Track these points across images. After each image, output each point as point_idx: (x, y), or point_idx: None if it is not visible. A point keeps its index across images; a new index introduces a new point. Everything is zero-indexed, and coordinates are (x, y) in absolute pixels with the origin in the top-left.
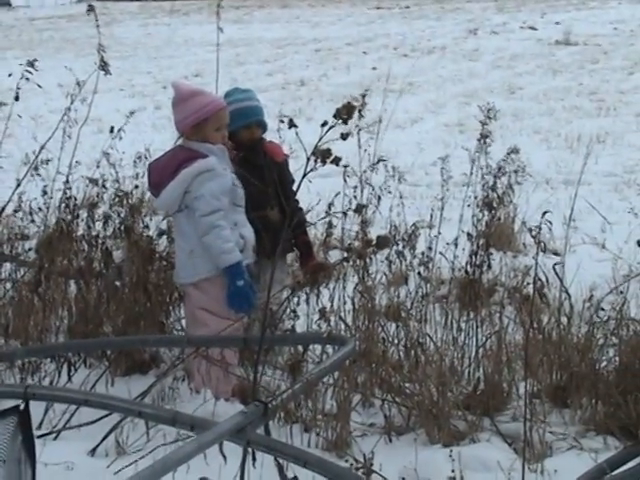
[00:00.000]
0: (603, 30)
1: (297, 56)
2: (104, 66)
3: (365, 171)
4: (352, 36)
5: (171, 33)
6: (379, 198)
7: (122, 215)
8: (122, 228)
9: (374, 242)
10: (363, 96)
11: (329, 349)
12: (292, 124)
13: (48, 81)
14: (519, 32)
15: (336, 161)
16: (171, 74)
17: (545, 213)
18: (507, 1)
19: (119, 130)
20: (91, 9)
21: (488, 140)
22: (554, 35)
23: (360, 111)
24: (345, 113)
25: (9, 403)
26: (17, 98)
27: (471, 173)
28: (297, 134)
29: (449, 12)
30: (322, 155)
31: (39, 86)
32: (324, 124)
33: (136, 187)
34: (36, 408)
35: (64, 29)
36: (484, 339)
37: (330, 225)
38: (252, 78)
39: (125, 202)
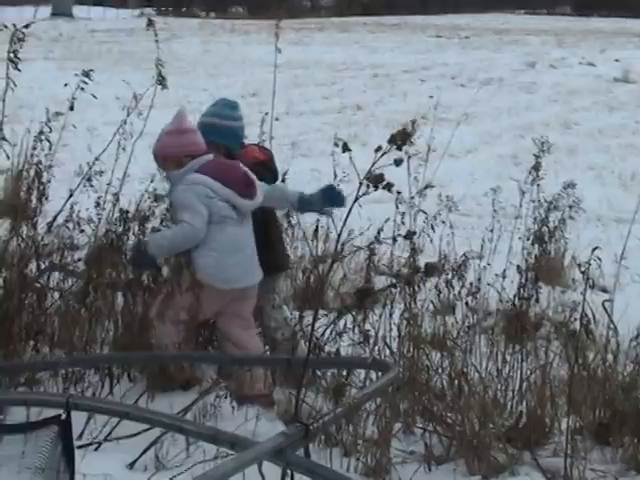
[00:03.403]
0: None
1: (354, 81)
2: (162, 81)
3: (413, 197)
4: (410, 63)
5: (230, 52)
6: (432, 227)
7: None
8: None
9: (423, 270)
10: (413, 123)
11: (373, 374)
12: (346, 148)
13: (105, 94)
14: (577, 67)
15: (388, 187)
16: (228, 92)
17: (595, 249)
18: (566, 36)
19: None
20: (150, 23)
21: (540, 173)
22: (613, 72)
23: (409, 137)
24: (400, 139)
25: (51, 412)
26: (72, 108)
27: (520, 205)
28: (351, 158)
29: (508, 44)
30: (375, 180)
31: (94, 97)
32: (378, 149)
33: None
34: (78, 418)
35: (123, 42)
36: (528, 373)
37: (372, 251)
38: (309, 100)
39: None
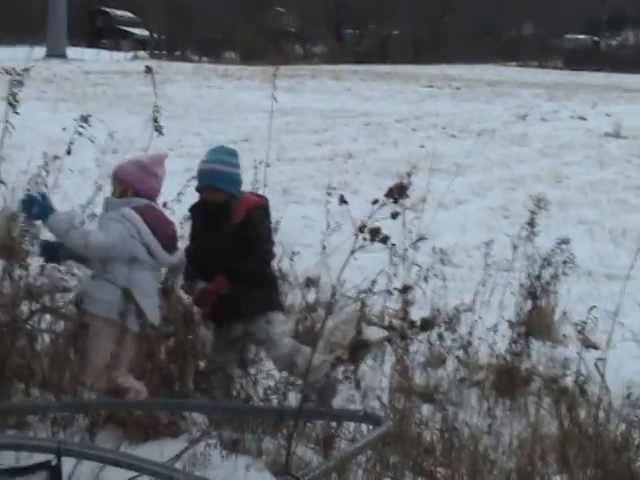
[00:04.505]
0: None
1: (346, 128)
2: (158, 127)
3: (406, 249)
4: (402, 112)
5: (223, 97)
6: (426, 279)
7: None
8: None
9: (418, 324)
10: (409, 175)
11: (363, 426)
12: (343, 200)
13: (98, 135)
14: (569, 121)
15: (384, 240)
16: (221, 138)
17: (592, 308)
18: (558, 89)
19: (178, 194)
20: (149, 70)
21: (535, 229)
22: (604, 127)
23: (406, 191)
24: (397, 193)
25: (41, 456)
26: (69, 152)
27: (513, 260)
28: (348, 211)
29: (500, 96)
30: (371, 233)
31: (92, 141)
32: (375, 202)
33: None
34: (65, 463)
35: (117, 85)
36: (519, 429)
37: (364, 302)
38: (301, 147)
39: None
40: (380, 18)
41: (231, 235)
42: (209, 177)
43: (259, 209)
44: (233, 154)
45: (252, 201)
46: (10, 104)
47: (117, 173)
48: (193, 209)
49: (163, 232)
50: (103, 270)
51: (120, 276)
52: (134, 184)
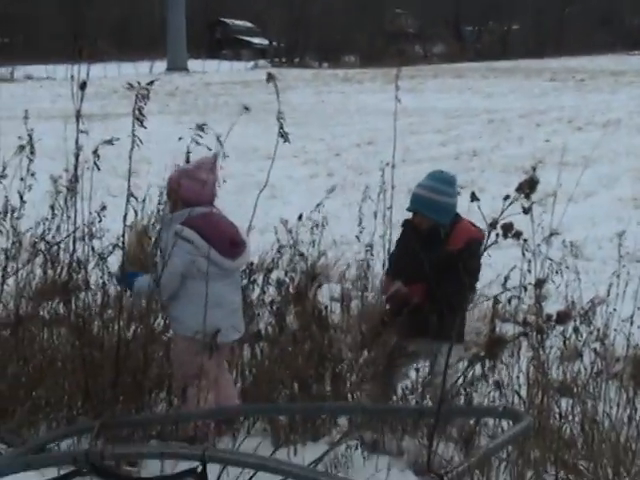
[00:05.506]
0: None
1: (470, 127)
2: (284, 134)
3: (539, 245)
4: (525, 108)
5: (345, 101)
6: (559, 273)
7: (296, 280)
8: (295, 293)
9: (554, 317)
10: (534, 169)
11: (503, 422)
12: (474, 197)
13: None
14: None
15: (517, 235)
16: (344, 141)
17: None
18: None
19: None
20: (271, 77)
21: None
22: None
23: (536, 186)
24: (527, 188)
25: (184, 465)
26: (188, 161)
27: None
28: (479, 207)
29: (624, 86)
30: (504, 229)
31: (209, 149)
32: (506, 198)
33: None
34: (210, 470)
35: (239, 95)
36: None
37: (497, 300)
38: (425, 147)
39: (300, 268)
40: (499, 14)
41: (446, 259)
42: (419, 203)
43: (479, 243)
44: (450, 182)
45: (473, 233)
46: (137, 118)
47: (168, 184)
48: (405, 224)
49: (220, 238)
50: (178, 288)
51: (192, 292)
52: (180, 192)
